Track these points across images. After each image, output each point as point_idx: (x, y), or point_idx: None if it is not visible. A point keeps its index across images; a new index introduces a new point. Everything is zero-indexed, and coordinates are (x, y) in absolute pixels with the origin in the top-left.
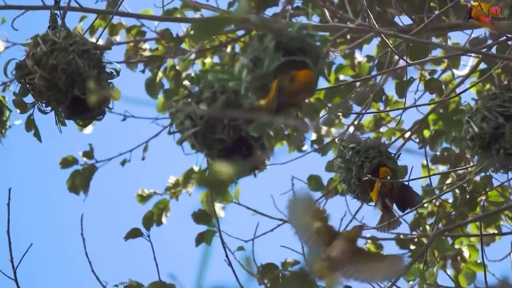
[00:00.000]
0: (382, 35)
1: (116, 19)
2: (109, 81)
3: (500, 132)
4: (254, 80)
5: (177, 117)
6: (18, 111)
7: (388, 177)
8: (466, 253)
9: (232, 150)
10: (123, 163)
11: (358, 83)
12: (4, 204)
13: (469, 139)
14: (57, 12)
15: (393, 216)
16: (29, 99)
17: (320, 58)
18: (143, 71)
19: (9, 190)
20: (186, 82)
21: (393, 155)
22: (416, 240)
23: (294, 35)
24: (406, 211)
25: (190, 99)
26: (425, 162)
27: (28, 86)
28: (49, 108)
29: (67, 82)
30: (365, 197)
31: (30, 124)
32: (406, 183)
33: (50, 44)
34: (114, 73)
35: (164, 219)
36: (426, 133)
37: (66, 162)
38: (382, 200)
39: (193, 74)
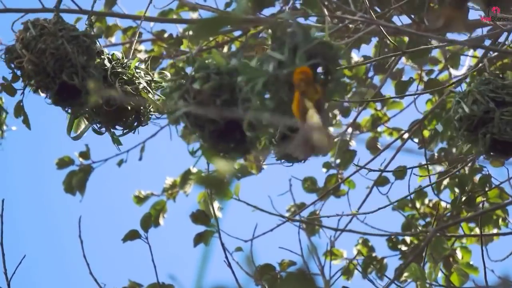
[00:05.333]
0: (382, 29)
1: (111, 20)
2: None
3: (489, 117)
4: (279, 73)
5: (171, 97)
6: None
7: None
8: (459, 254)
9: (224, 132)
10: (119, 163)
11: (355, 84)
12: None
13: (457, 120)
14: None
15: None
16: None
17: (338, 70)
18: None
19: (3, 201)
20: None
21: None
22: (409, 241)
23: (322, 40)
24: None
25: (184, 80)
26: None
27: (17, 70)
28: (103, 129)
29: (55, 67)
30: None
31: (19, 110)
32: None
33: (39, 29)
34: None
35: (161, 220)
36: (426, 133)
37: (63, 163)
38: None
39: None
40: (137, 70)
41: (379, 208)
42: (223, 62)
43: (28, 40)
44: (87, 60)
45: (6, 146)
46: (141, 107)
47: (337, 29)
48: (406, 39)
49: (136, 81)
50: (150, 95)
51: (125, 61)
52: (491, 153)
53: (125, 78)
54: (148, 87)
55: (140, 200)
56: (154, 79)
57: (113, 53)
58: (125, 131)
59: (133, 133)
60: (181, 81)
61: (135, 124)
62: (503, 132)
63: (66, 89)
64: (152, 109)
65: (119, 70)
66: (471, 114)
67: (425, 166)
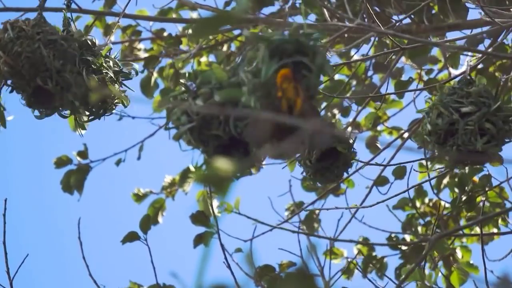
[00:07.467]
0: (382, 29)
1: (111, 19)
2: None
3: (454, 128)
4: (255, 90)
5: (174, 113)
6: None
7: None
8: (459, 253)
9: (229, 146)
10: (117, 163)
11: (354, 83)
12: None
13: (426, 134)
14: (69, 15)
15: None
16: None
17: (317, 54)
18: (142, 71)
19: (5, 200)
20: (182, 79)
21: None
22: (408, 240)
23: (287, 39)
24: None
25: (186, 95)
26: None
27: None
28: (67, 112)
29: (30, 70)
30: (317, 179)
31: None
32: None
33: (17, 31)
34: (133, 73)
35: (160, 219)
36: None
37: (61, 162)
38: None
39: (190, 70)
40: (106, 59)
41: (378, 202)
42: (225, 76)
43: (6, 41)
44: (62, 64)
45: (5, 146)
46: (107, 98)
47: (336, 31)
48: (406, 41)
49: (104, 71)
50: (116, 86)
51: (95, 49)
52: (466, 162)
53: (93, 66)
54: (115, 78)
55: (139, 198)
56: (123, 70)
57: (85, 39)
58: (90, 117)
59: (99, 119)
60: (183, 96)
61: (101, 111)
62: (468, 143)
63: (41, 92)
64: (117, 101)
65: (89, 57)
66: (436, 128)
67: (425, 163)
